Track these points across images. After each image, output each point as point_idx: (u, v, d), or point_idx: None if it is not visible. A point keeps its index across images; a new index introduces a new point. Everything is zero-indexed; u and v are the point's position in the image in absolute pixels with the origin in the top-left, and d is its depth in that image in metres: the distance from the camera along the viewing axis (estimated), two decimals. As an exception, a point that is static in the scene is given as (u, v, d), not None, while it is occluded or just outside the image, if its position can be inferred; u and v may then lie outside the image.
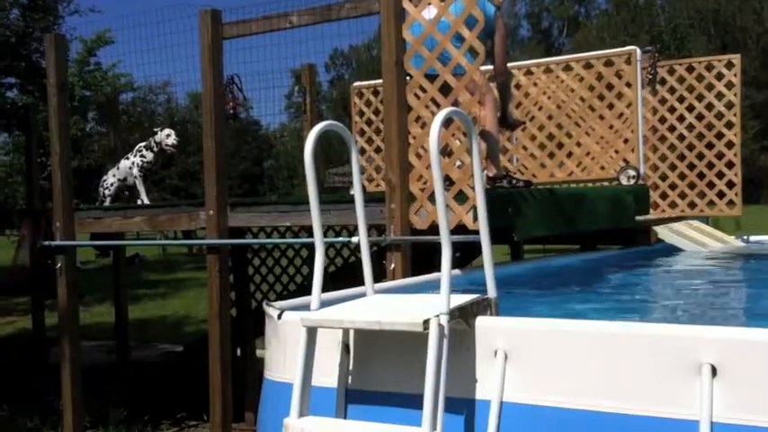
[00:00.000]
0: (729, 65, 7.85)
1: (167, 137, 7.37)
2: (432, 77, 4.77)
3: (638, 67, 7.02)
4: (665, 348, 2.31)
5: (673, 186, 7.97)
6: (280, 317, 2.94)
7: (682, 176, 7.93)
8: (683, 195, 7.93)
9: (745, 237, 7.50)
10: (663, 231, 6.38)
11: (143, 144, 7.48)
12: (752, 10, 61.71)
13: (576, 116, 7.46)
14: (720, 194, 7.79)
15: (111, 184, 7.49)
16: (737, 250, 6.66)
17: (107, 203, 7.34)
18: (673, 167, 7.98)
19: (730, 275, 5.33)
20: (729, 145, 7.81)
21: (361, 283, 3.09)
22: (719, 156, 7.82)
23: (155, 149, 7.38)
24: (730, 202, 7.77)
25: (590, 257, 5.97)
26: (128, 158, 7.48)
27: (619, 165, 6.99)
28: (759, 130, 52.78)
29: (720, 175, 7.79)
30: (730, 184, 7.77)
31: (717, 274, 5.26)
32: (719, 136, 7.83)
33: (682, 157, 7.96)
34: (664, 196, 7.97)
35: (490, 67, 5.93)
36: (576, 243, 6.53)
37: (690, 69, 7.98)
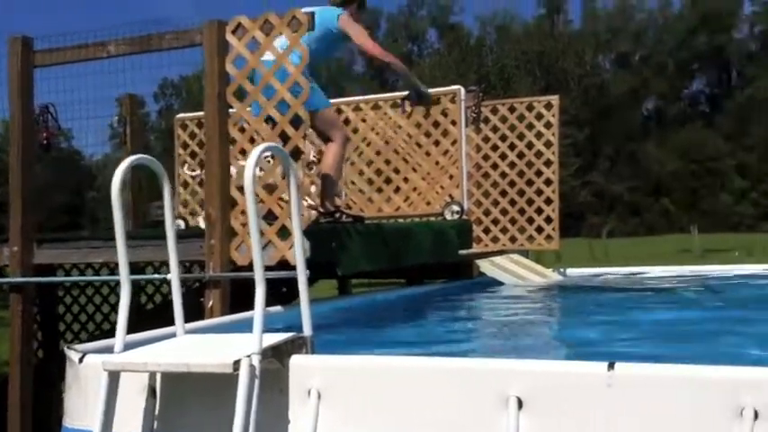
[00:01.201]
0: (548, 105, 8.20)
1: None
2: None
3: (462, 105, 7.23)
4: (474, 382, 2.34)
5: (495, 221, 8.21)
6: (81, 360, 2.77)
7: (504, 212, 8.19)
8: (504, 230, 8.18)
9: (563, 269, 7.85)
10: (485, 265, 6.57)
11: None
12: (574, 53, 65.90)
13: (403, 152, 7.58)
14: (539, 229, 8.10)
15: None
16: (554, 283, 6.96)
17: None
18: (495, 203, 8.23)
19: (544, 308, 5.54)
20: (548, 182, 8.13)
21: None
22: (539, 192, 8.12)
23: None
24: (548, 237, 8.10)
25: (414, 292, 6.05)
26: None
27: (444, 200, 7.15)
28: (579, 166, 56.09)
29: (540, 211, 8.10)
30: (548, 220, 8.10)
31: (532, 307, 5.46)
32: (539, 173, 8.14)
33: (504, 194, 8.22)
34: (487, 231, 8.19)
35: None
36: (402, 277, 6.59)
37: (512, 109, 8.28)
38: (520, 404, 2.28)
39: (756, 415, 2.08)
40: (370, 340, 3.77)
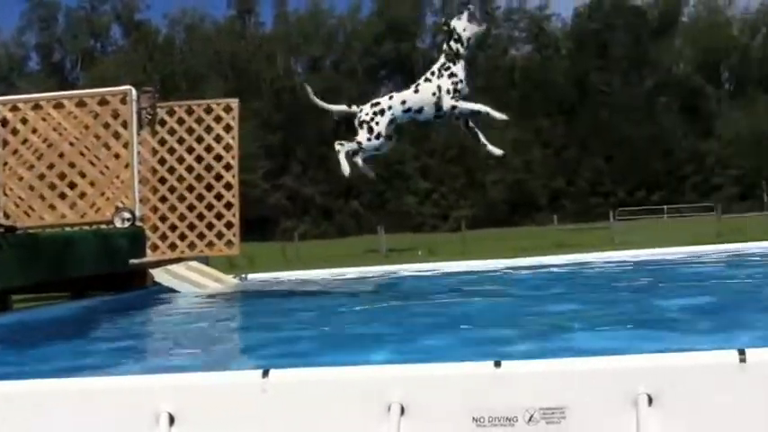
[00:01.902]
0: (227, 108, 8.15)
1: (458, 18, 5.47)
2: None
3: (133, 106, 6.92)
4: (126, 400, 2.27)
5: (173, 228, 7.99)
6: None
7: (182, 218, 7.99)
8: (183, 236, 7.98)
9: (243, 275, 7.81)
10: (160, 273, 6.35)
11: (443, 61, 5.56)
12: (265, 55, 66.44)
13: (70, 156, 7.07)
14: (220, 235, 8.01)
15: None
16: (232, 288, 6.91)
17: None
18: (173, 209, 8.01)
19: (215, 316, 5.43)
20: (228, 186, 8.06)
21: None
22: (219, 197, 8.03)
23: (461, 52, 5.49)
24: (229, 242, 8.04)
25: (77, 306, 5.66)
26: (429, 80, 5.70)
27: (115, 206, 6.79)
28: (270, 169, 56.81)
29: (220, 216, 8.01)
30: (229, 225, 8.03)
31: (202, 316, 5.33)
32: (219, 177, 8.05)
33: (182, 199, 8.03)
34: (164, 238, 7.94)
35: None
36: (69, 290, 6.15)
37: (189, 111, 8.12)
38: (171, 420, 2.22)
39: (403, 410, 2.17)
40: (18, 362, 3.44)
